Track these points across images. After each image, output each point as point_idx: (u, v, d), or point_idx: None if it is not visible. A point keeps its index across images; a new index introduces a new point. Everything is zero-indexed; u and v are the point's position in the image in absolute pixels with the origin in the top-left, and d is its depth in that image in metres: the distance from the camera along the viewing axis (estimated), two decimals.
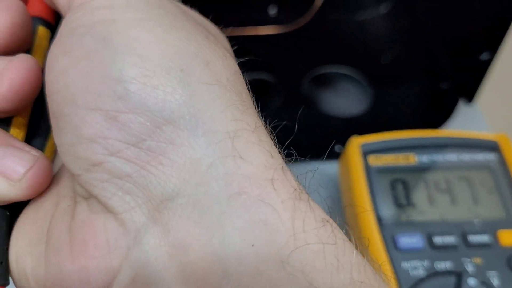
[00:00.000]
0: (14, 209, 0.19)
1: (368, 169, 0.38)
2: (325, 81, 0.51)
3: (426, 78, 0.49)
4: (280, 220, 0.15)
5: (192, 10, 0.22)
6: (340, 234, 0.16)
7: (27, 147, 0.19)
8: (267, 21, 0.52)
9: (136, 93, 0.16)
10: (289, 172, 0.17)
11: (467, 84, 0.43)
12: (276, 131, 0.18)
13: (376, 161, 0.38)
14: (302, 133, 0.27)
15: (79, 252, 0.17)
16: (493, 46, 0.39)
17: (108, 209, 0.17)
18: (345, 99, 0.50)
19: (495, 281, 0.33)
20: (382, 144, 0.39)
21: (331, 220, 0.16)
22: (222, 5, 0.52)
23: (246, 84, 0.19)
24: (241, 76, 0.19)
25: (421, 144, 0.39)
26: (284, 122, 0.20)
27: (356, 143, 0.39)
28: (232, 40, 0.23)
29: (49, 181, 0.19)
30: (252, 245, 0.15)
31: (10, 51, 0.20)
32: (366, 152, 0.38)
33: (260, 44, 0.52)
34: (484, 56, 0.39)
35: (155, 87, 0.16)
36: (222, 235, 0.15)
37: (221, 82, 0.17)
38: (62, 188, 0.19)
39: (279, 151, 0.18)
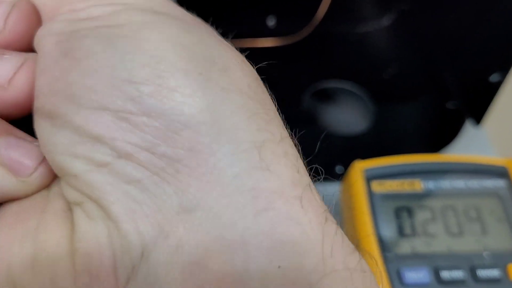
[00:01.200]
0: None
1: (371, 196, 0.36)
2: (326, 97, 0.49)
3: (432, 96, 0.47)
4: (310, 242, 0.14)
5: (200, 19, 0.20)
6: (366, 265, 0.15)
7: (29, 137, 0.17)
8: (266, 33, 0.50)
9: (150, 95, 0.15)
10: (315, 191, 0.15)
11: (475, 105, 0.41)
12: None
13: (380, 187, 0.36)
14: (301, 152, 0.25)
15: (82, 268, 0.14)
16: (504, 67, 0.37)
17: (109, 216, 0.15)
18: (346, 116, 0.48)
19: None
20: (386, 169, 0.37)
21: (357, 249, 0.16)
22: (218, 15, 0.50)
23: (268, 91, 0.17)
24: (262, 83, 0.17)
25: (427, 170, 0.37)
26: None
27: (358, 168, 0.37)
28: None
29: (54, 176, 0.17)
30: (279, 267, 0.14)
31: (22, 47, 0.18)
32: (370, 177, 0.36)
33: (258, 57, 0.50)
34: (494, 78, 0.38)
35: (172, 89, 0.15)
36: (246, 253, 0.14)
37: (243, 90, 0.16)
38: (53, 184, 0.17)
39: (305, 164, 0.16)
